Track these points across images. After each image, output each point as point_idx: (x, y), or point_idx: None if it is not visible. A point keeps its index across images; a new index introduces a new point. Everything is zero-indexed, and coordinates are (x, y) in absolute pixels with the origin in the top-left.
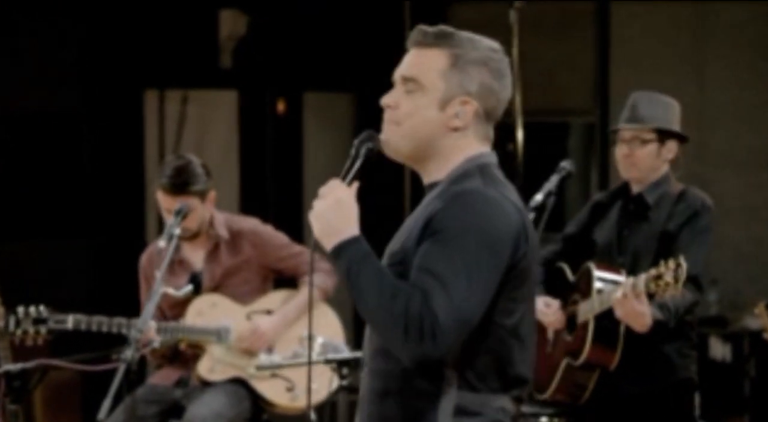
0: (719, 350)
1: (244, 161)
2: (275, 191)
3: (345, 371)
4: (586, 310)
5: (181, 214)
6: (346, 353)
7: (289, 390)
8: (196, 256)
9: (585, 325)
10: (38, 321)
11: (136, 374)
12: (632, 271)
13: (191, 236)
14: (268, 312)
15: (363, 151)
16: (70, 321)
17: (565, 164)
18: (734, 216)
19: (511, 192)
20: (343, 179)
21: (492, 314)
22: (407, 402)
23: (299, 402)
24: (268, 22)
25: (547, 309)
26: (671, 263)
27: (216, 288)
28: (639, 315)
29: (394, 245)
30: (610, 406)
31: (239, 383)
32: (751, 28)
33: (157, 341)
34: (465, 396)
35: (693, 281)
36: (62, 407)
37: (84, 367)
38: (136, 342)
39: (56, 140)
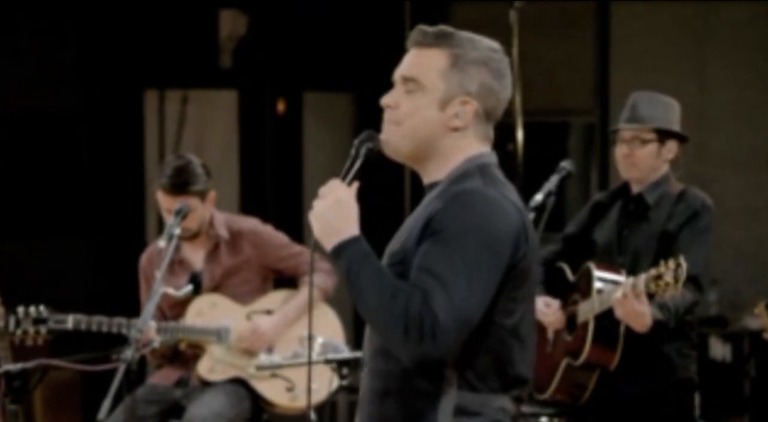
0: (719, 350)
1: (244, 161)
2: (275, 191)
3: (345, 371)
4: (586, 310)
5: (181, 214)
6: (346, 353)
7: (289, 390)
8: (196, 256)
9: (585, 325)
10: (38, 320)
11: (136, 374)
12: (632, 271)
13: (191, 236)
14: (268, 312)
15: (363, 151)
16: (70, 321)
17: (565, 164)
18: (734, 216)
19: (511, 192)
20: (343, 179)
21: (492, 314)
22: (407, 402)
23: (299, 402)
24: (268, 22)
25: (547, 309)
26: (671, 264)
27: (216, 288)
28: (639, 315)
29: (394, 245)
30: (610, 406)
31: (239, 383)
32: (751, 28)
33: (157, 341)
34: (465, 396)
35: (693, 281)
36: (62, 407)
37: (84, 367)
38: (136, 342)
39: (56, 140)
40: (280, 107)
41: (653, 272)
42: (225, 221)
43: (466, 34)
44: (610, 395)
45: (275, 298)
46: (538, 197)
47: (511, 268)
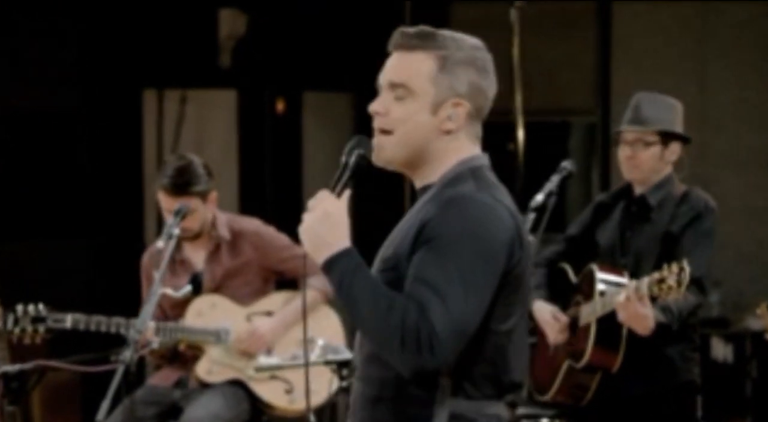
0: (721, 351)
1: (243, 161)
2: (274, 191)
3: (345, 372)
4: (589, 312)
5: (180, 214)
6: (346, 354)
7: (288, 392)
8: (197, 256)
9: (587, 327)
10: (37, 319)
11: (135, 375)
12: (635, 273)
13: (193, 237)
14: (269, 314)
15: (353, 159)
16: (69, 320)
17: (566, 164)
18: (736, 217)
19: (505, 196)
20: (333, 189)
21: (488, 321)
22: (400, 409)
23: (298, 405)
24: (268, 22)
25: (555, 323)
26: (674, 267)
27: (216, 289)
28: (642, 319)
29: (387, 250)
30: (612, 408)
31: (238, 385)
32: (752, 27)
33: (155, 342)
34: (460, 403)
35: (696, 283)
36: (61, 408)
37: (82, 368)
38: (134, 343)
39: (54, 140)
40: (280, 106)
41: (656, 275)
42: (227, 221)
43: (448, 34)
44: (611, 396)
45: (276, 299)
46: (539, 197)
47: (505, 274)
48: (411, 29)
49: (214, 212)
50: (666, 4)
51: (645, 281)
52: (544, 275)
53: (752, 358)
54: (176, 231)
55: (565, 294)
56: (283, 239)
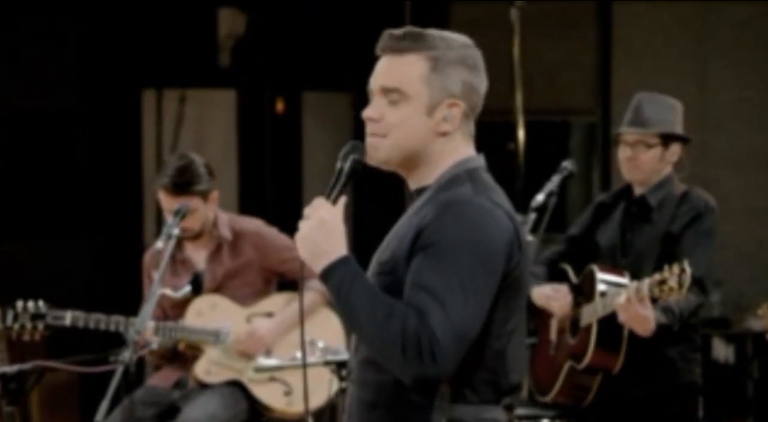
0: (722, 351)
1: (243, 161)
2: (274, 191)
3: (344, 372)
4: (590, 313)
5: (180, 214)
6: (346, 356)
7: (287, 394)
8: (198, 256)
9: (588, 328)
10: (36, 316)
11: (134, 375)
12: (636, 273)
13: (194, 236)
14: (269, 315)
15: (348, 164)
16: (68, 317)
17: (567, 164)
18: (736, 217)
19: (502, 198)
20: (328, 196)
21: (488, 326)
22: (398, 414)
23: (296, 407)
24: (267, 21)
25: (557, 294)
26: (675, 268)
27: (217, 289)
28: (643, 320)
29: (383, 253)
30: (613, 409)
31: (236, 386)
32: (752, 27)
33: (155, 342)
34: (458, 408)
35: (697, 283)
36: (59, 409)
37: (81, 369)
38: (133, 344)
39: (54, 140)
40: (279, 106)
41: (657, 276)
42: (229, 221)
43: (436, 33)
44: (612, 397)
45: (277, 301)
46: (540, 197)
47: (505, 277)
48: (398, 31)
49: (216, 212)
50: (666, 4)
51: (646, 282)
52: (544, 275)
53: (753, 359)
54: (175, 232)
55: None
56: (284, 240)
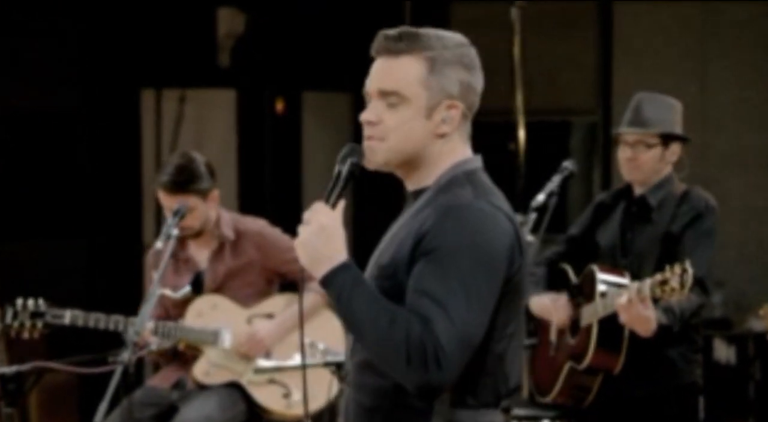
0: (723, 352)
1: (243, 161)
2: (274, 191)
3: (344, 373)
4: (590, 314)
5: (179, 214)
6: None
7: (286, 396)
8: (201, 255)
9: (588, 329)
10: (36, 314)
11: (134, 376)
12: (636, 273)
13: (195, 235)
14: (270, 316)
15: (347, 167)
16: (68, 316)
17: (568, 164)
18: (737, 217)
19: (502, 201)
20: (327, 200)
21: (490, 331)
22: (398, 418)
23: (295, 409)
24: (267, 21)
25: (556, 304)
26: (677, 269)
27: (218, 289)
28: (644, 321)
29: (383, 256)
30: (614, 409)
31: (235, 387)
32: (753, 27)
33: (154, 343)
34: (458, 412)
35: (699, 283)
36: (58, 410)
37: (80, 370)
38: (133, 345)
39: (53, 140)
40: (279, 106)
41: (659, 277)
42: (232, 221)
43: (431, 33)
44: (613, 398)
45: (278, 302)
46: (540, 197)
47: (506, 281)
48: (393, 32)
49: (218, 212)
50: (666, 4)
51: (647, 282)
52: (544, 275)
53: (755, 360)
54: (174, 232)
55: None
56: (287, 240)
